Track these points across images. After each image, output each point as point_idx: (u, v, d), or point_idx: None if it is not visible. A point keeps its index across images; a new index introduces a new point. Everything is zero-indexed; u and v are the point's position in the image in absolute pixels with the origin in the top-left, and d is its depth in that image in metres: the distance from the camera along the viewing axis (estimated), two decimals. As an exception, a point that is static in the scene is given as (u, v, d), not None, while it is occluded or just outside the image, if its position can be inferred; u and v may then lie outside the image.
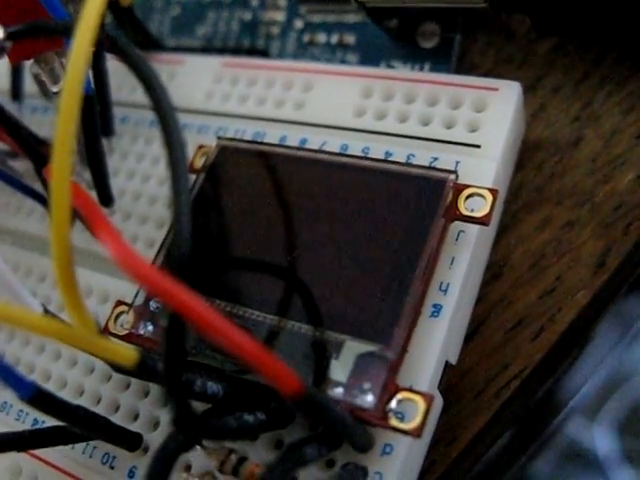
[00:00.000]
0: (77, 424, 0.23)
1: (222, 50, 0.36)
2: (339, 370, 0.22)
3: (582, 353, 0.28)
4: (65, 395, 0.28)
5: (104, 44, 0.20)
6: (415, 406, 0.21)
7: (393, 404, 0.21)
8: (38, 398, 0.21)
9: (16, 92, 0.36)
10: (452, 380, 0.26)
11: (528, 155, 0.29)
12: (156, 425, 0.26)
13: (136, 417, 0.26)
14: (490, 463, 0.27)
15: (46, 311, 0.22)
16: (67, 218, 0.18)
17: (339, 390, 0.22)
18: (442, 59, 0.31)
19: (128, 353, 0.20)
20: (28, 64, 0.29)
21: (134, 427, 0.26)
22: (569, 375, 0.29)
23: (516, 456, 0.31)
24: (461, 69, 0.31)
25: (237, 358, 0.17)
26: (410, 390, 0.21)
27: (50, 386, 0.28)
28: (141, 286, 0.25)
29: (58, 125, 0.17)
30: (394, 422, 0.21)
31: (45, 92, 0.30)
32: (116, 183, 0.31)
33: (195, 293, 0.16)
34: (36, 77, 0.30)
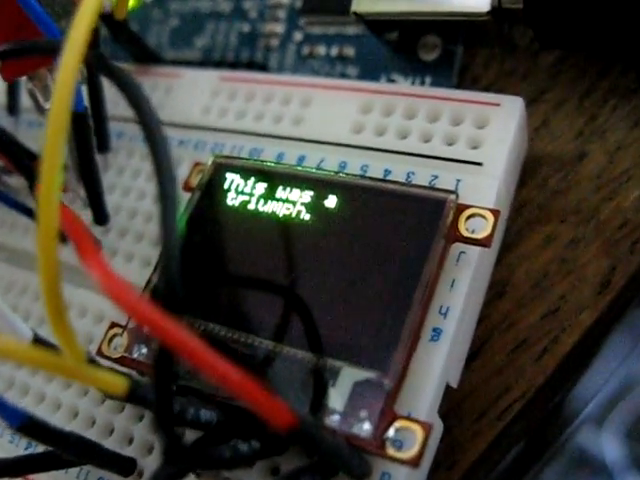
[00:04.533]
0: (69, 451, 0.22)
1: (220, 63, 0.36)
2: (336, 397, 0.22)
3: (585, 373, 0.28)
4: (59, 417, 0.27)
5: (92, 62, 0.20)
6: (413, 435, 0.21)
7: (391, 432, 0.21)
8: (28, 426, 0.20)
9: (12, 106, 0.35)
10: (453, 402, 0.26)
11: (531, 171, 0.28)
12: (151, 449, 0.25)
13: (131, 441, 0.26)
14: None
15: (36, 337, 0.22)
16: (54, 242, 0.17)
17: (335, 418, 0.21)
18: (443, 72, 0.31)
19: (118, 382, 0.19)
20: (25, 78, 0.29)
21: (128, 451, 0.25)
22: (572, 395, 0.28)
23: (522, 476, 0.30)
24: (463, 82, 0.31)
25: (227, 391, 0.16)
26: (408, 418, 0.21)
27: (44, 408, 0.28)
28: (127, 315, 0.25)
29: (45, 146, 0.17)
30: (391, 451, 0.21)
31: (39, 108, 0.29)
32: (112, 200, 0.31)
33: (183, 326, 0.16)
34: (30, 92, 0.29)
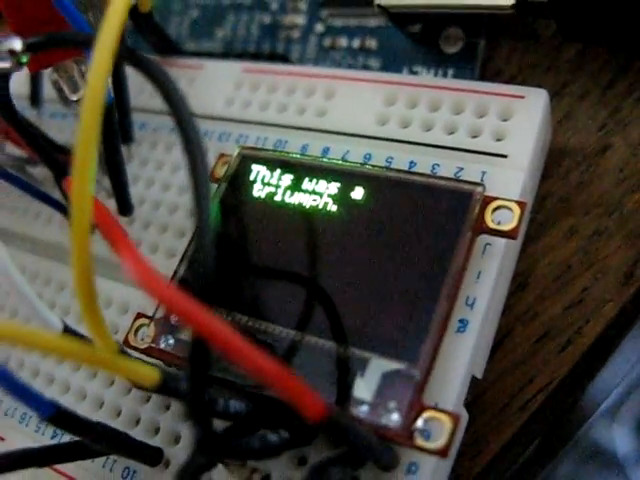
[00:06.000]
0: (96, 441, 0.23)
1: (241, 55, 0.36)
2: (364, 388, 0.22)
3: (606, 365, 0.28)
4: (85, 407, 0.27)
5: (123, 55, 0.20)
6: (441, 425, 0.21)
7: (419, 423, 0.21)
8: (57, 417, 0.20)
9: (35, 97, 0.35)
10: (476, 393, 0.26)
11: (554, 163, 0.28)
12: (177, 439, 0.26)
13: (157, 431, 0.26)
14: (514, 477, 0.27)
15: (66, 327, 0.22)
16: (87, 234, 0.17)
17: (364, 409, 0.21)
18: (466, 64, 0.31)
19: (149, 373, 0.19)
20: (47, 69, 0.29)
21: (155, 441, 0.26)
22: (591, 388, 0.28)
23: (539, 469, 0.31)
24: (485, 75, 0.31)
25: (259, 380, 0.16)
26: (436, 409, 0.21)
27: (69, 398, 0.28)
28: (163, 308, 0.25)
29: (78, 144, 0.17)
30: (420, 442, 0.21)
31: (64, 99, 0.29)
32: (135, 191, 0.31)
33: (217, 315, 0.16)
34: (55, 84, 0.29)
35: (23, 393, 0.19)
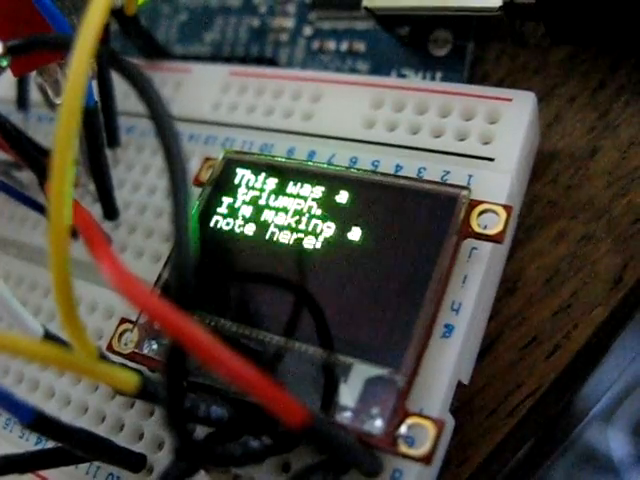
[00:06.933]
0: (79, 447, 0.22)
1: (230, 58, 0.35)
2: (347, 394, 0.21)
3: (597, 370, 0.28)
4: (69, 413, 0.27)
5: (104, 58, 0.20)
6: (425, 432, 0.20)
7: (402, 429, 0.21)
8: (38, 423, 0.20)
9: (22, 101, 0.35)
10: (464, 399, 0.26)
11: (543, 167, 0.28)
12: (161, 445, 0.25)
13: (141, 437, 0.26)
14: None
15: (47, 333, 0.21)
16: (66, 238, 0.17)
17: (347, 415, 0.21)
18: (454, 67, 0.30)
19: (129, 378, 0.19)
20: (34, 72, 0.29)
21: (138, 447, 0.25)
22: (582, 392, 0.28)
23: (530, 474, 0.30)
24: (474, 77, 0.31)
25: (238, 387, 0.16)
26: (420, 415, 0.21)
27: (53, 404, 0.28)
28: (140, 313, 0.25)
29: (57, 143, 0.17)
30: (403, 448, 0.20)
31: (49, 102, 0.29)
32: (121, 195, 0.31)
33: (196, 322, 0.16)
34: (40, 87, 0.29)
35: (2, 398, 0.19)
